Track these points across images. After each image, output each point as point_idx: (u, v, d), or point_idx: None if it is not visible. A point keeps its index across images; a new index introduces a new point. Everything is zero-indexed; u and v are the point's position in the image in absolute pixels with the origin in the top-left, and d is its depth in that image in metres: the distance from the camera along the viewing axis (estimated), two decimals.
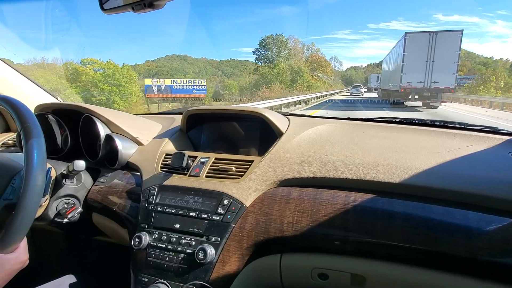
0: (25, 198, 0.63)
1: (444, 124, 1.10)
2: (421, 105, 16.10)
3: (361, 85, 44.28)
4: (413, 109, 15.21)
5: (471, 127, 1.06)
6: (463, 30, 14.83)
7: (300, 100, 18.34)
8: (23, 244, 0.68)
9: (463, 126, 1.07)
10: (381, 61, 27.98)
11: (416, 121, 1.15)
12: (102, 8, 0.70)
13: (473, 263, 0.65)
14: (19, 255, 0.66)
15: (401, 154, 0.84)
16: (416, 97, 15.62)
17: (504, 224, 0.64)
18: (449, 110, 15.66)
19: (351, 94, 35.30)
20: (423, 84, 15.10)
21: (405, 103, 16.54)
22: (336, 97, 31.02)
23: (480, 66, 56.39)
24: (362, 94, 34.85)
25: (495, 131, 1.02)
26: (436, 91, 15.06)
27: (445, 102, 17.30)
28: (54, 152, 1.15)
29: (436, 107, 15.49)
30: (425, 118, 1.20)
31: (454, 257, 0.66)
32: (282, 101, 15.49)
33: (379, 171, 0.78)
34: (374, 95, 33.14)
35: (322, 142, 0.95)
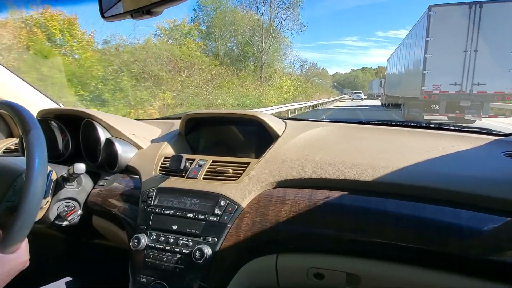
0: (26, 200, 0.64)
1: (439, 127, 1.13)
2: (447, 119, 9.01)
3: (361, 92, 49.28)
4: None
5: (465, 129, 1.08)
6: None
7: None
8: (24, 245, 0.69)
9: (457, 128, 1.10)
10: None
11: (412, 124, 1.17)
12: (103, 16, 0.72)
13: (465, 261, 0.66)
14: (20, 255, 0.67)
15: (392, 155, 0.86)
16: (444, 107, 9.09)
17: (495, 222, 0.66)
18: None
19: (352, 100, 39.43)
20: (460, 88, 8.65)
21: (425, 117, 9.36)
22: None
23: None
24: (362, 100, 37.94)
25: (489, 132, 1.04)
26: (482, 98, 8.63)
27: (495, 116, 9.37)
28: (55, 157, 1.17)
29: (473, 121, 9.01)
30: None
31: (447, 255, 0.67)
32: None
33: (371, 171, 0.79)
34: (376, 102, 28.47)
35: (317, 145, 0.97)
